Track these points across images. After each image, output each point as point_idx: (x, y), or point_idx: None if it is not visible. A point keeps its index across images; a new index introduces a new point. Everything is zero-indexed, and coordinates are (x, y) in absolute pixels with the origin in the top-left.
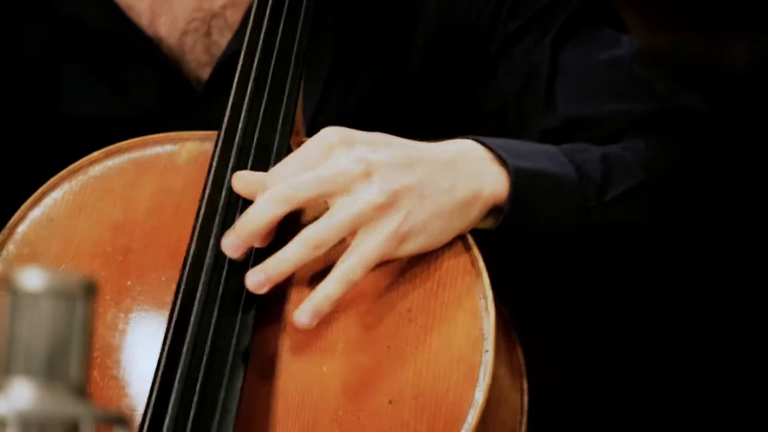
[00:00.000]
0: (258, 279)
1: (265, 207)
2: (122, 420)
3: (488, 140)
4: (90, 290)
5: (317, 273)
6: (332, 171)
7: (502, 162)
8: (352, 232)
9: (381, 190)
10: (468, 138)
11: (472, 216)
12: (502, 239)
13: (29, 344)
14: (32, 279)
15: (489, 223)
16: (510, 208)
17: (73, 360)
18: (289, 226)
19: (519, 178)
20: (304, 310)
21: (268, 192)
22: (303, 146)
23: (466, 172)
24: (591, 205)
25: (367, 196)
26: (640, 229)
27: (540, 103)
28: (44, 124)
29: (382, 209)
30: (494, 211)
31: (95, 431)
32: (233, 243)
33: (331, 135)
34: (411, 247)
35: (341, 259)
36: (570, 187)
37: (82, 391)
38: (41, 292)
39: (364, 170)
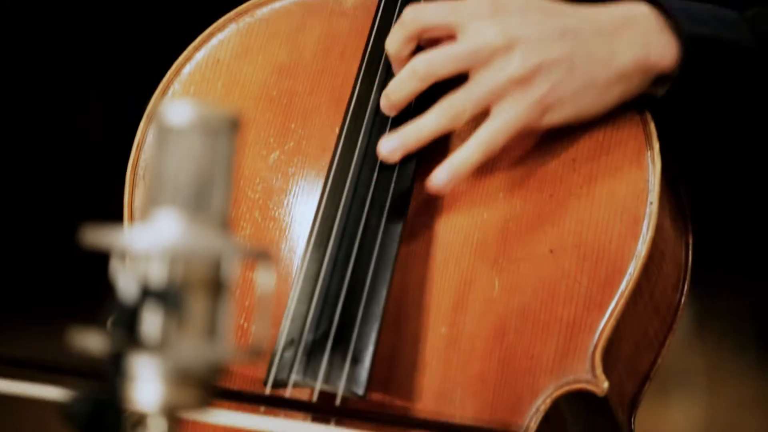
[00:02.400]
0: (392, 145)
1: (405, 83)
2: (265, 255)
3: (661, 2)
4: (235, 125)
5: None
6: (473, 45)
7: (674, 27)
8: (492, 104)
9: (522, 63)
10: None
11: (633, 85)
12: (668, 105)
13: (175, 177)
14: (179, 113)
15: (655, 90)
16: (678, 79)
17: (218, 194)
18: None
19: (691, 47)
20: (440, 171)
21: (409, 66)
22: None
23: (630, 40)
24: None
25: (508, 69)
26: None
27: None
28: None
29: (523, 82)
30: (662, 78)
31: (238, 265)
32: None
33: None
34: (556, 118)
35: (482, 125)
36: (746, 58)
37: (225, 225)
38: (187, 126)
39: (506, 43)
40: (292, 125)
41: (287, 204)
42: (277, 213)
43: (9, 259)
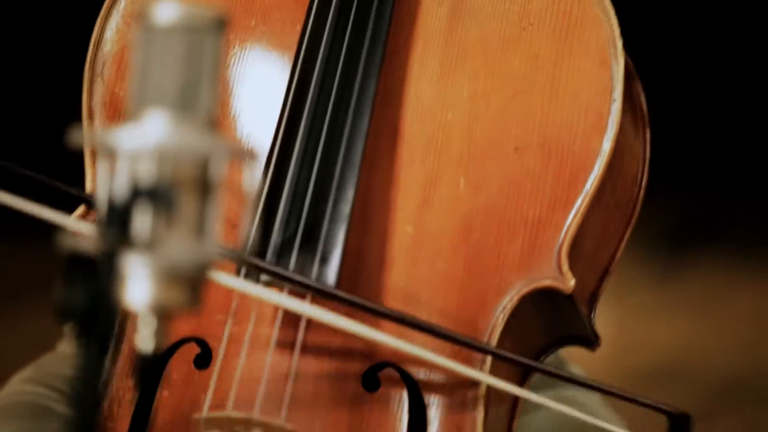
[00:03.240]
0: None
1: None
2: (252, 155)
3: None
4: (221, 25)
5: None
6: None
7: None
8: None
9: None
10: None
11: None
12: None
13: (162, 78)
14: (165, 13)
15: None
16: None
17: (205, 94)
18: None
19: None
20: None
21: None
22: None
23: None
24: None
25: None
26: None
27: None
28: None
29: None
30: None
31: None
32: None
33: None
34: None
35: None
36: None
37: (213, 125)
38: (173, 27)
39: None
40: (252, 22)
41: (250, 104)
42: (239, 112)
43: None
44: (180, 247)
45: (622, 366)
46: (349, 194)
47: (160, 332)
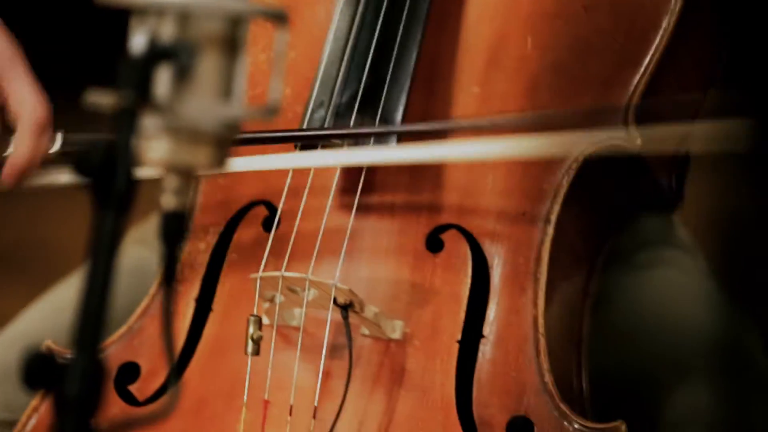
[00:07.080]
0: None
1: None
2: (281, 16)
3: None
4: None
5: None
6: None
7: None
8: None
9: None
10: None
11: None
12: None
13: None
14: None
15: None
16: None
17: None
18: None
19: None
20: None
21: None
22: None
23: None
24: None
25: None
26: None
27: None
28: None
29: None
30: None
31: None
32: None
33: None
34: None
35: None
36: None
37: None
38: None
39: None
40: None
41: None
42: None
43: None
44: (202, 107)
45: None
46: (412, 54)
47: (183, 192)
